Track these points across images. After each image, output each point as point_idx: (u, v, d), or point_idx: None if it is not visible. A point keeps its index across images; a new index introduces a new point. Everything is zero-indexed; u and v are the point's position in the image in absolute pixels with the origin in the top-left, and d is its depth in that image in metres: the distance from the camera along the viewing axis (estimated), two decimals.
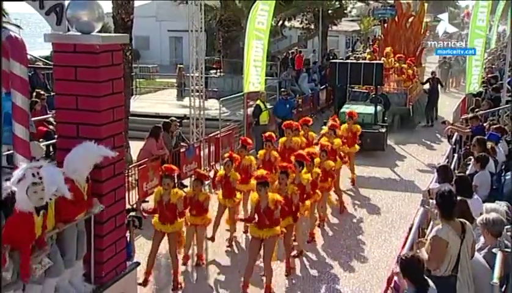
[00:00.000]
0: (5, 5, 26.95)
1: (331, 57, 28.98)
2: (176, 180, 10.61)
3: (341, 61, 20.90)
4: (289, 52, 30.20)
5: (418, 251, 5.77)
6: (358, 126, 13.37)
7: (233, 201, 10.06)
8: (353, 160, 13.51)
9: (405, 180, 14.09)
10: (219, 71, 27.63)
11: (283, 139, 12.06)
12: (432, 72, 22.48)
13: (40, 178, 4.60)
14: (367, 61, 20.55)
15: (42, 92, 13.05)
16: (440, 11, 30.90)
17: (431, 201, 7.89)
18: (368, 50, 30.30)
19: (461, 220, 5.59)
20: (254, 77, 16.03)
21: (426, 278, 5.14)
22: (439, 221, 5.66)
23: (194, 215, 9.09)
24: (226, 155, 10.55)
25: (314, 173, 9.94)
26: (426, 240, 5.84)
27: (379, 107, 16.96)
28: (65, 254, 5.14)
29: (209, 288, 8.84)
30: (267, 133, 11.58)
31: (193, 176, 11.84)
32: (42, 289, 4.93)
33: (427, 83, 21.40)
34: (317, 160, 10.49)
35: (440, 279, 5.36)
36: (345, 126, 13.21)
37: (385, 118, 17.54)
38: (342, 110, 16.33)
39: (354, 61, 21.41)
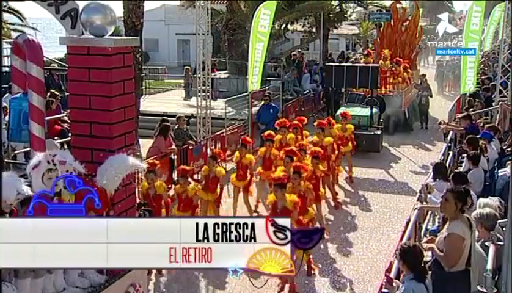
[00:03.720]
0: (23, 9, 27.16)
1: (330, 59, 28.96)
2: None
3: (337, 64, 20.77)
4: (292, 54, 30.15)
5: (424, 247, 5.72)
6: (351, 126, 13.37)
7: (215, 194, 9.89)
8: (350, 159, 13.55)
9: (401, 180, 13.97)
10: (215, 71, 27.46)
11: (278, 136, 11.86)
12: (422, 75, 22.30)
13: (54, 165, 4.67)
14: (362, 64, 20.43)
15: (56, 93, 13.06)
16: (436, 15, 30.76)
17: (428, 195, 7.90)
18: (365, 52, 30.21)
19: (466, 215, 5.57)
20: (253, 77, 16.08)
21: (425, 267, 5.15)
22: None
23: (181, 211, 9.04)
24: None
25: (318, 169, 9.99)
26: (434, 237, 5.76)
27: (374, 110, 16.79)
28: None
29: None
30: (266, 132, 11.59)
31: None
32: (54, 277, 4.99)
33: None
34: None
35: (455, 274, 5.31)
36: (338, 126, 13.17)
37: (381, 120, 17.39)
38: (339, 113, 16.28)
39: (350, 64, 21.30)
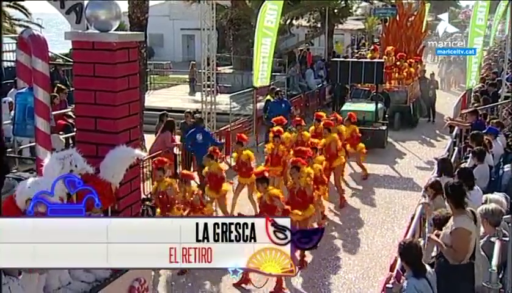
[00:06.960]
0: (28, 5, 27.14)
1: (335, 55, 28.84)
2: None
3: (342, 59, 20.64)
4: (299, 49, 30.06)
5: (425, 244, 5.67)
6: (353, 126, 13.24)
7: (220, 193, 9.99)
8: (361, 158, 13.48)
9: (406, 176, 13.93)
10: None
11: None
12: (432, 74, 22.31)
13: (76, 166, 4.63)
14: (368, 59, 20.29)
15: (63, 87, 13.00)
16: (443, 11, 30.53)
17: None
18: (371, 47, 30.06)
19: (470, 208, 5.52)
20: (262, 73, 16.01)
21: (423, 263, 5.12)
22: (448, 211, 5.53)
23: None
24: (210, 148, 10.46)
25: (316, 169, 9.88)
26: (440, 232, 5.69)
27: (379, 105, 16.68)
28: None
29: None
30: (275, 129, 11.52)
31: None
32: (59, 272, 4.97)
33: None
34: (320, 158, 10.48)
35: (459, 267, 5.29)
36: (343, 128, 13.05)
37: (386, 116, 17.25)
38: (344, 108, 16.20)
39: (355, 59, 21.19)
